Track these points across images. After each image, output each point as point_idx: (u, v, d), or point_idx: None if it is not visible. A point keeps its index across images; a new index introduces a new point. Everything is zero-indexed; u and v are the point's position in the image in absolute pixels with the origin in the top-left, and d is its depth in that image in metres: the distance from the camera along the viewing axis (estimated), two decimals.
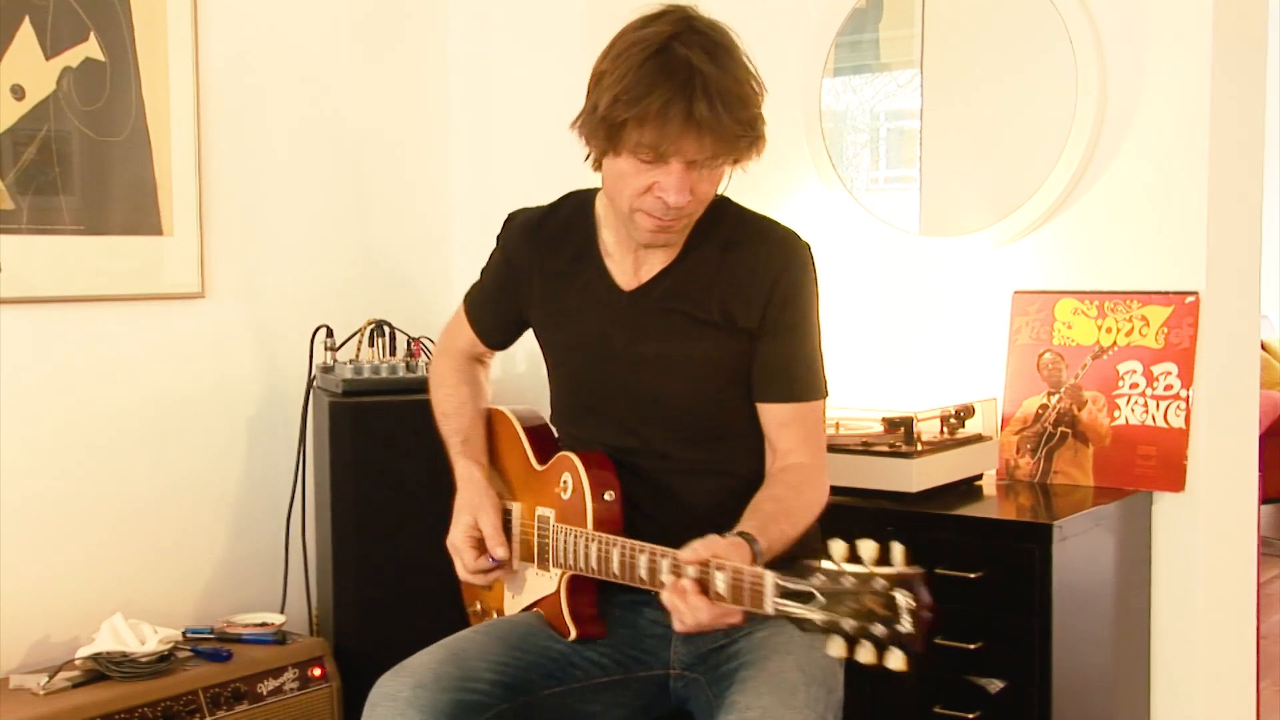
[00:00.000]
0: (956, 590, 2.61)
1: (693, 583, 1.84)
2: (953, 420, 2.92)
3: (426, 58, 3.39)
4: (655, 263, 2.15)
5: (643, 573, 1.95)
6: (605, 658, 2.16)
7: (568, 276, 2.23)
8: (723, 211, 2.16)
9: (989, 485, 2.98)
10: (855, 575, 1.64)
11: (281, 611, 3.03)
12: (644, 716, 2.22)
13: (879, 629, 1.61)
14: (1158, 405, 2.89)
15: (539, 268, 2.26)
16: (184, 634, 2.78)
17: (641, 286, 2.16)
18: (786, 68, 3.37)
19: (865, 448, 2.81)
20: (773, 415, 2.15)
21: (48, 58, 2.67)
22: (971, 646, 2.60)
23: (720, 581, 1.80)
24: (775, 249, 2.14)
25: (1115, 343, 2.95)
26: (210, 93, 2.95)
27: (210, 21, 2.94)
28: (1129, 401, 2.92)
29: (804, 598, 1.67)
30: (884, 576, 1.62)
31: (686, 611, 1.85)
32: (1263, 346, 6.51)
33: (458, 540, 2.23)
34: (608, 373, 2.20)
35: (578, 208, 2.21)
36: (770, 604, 1.72)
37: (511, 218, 2.34)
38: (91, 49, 2.74)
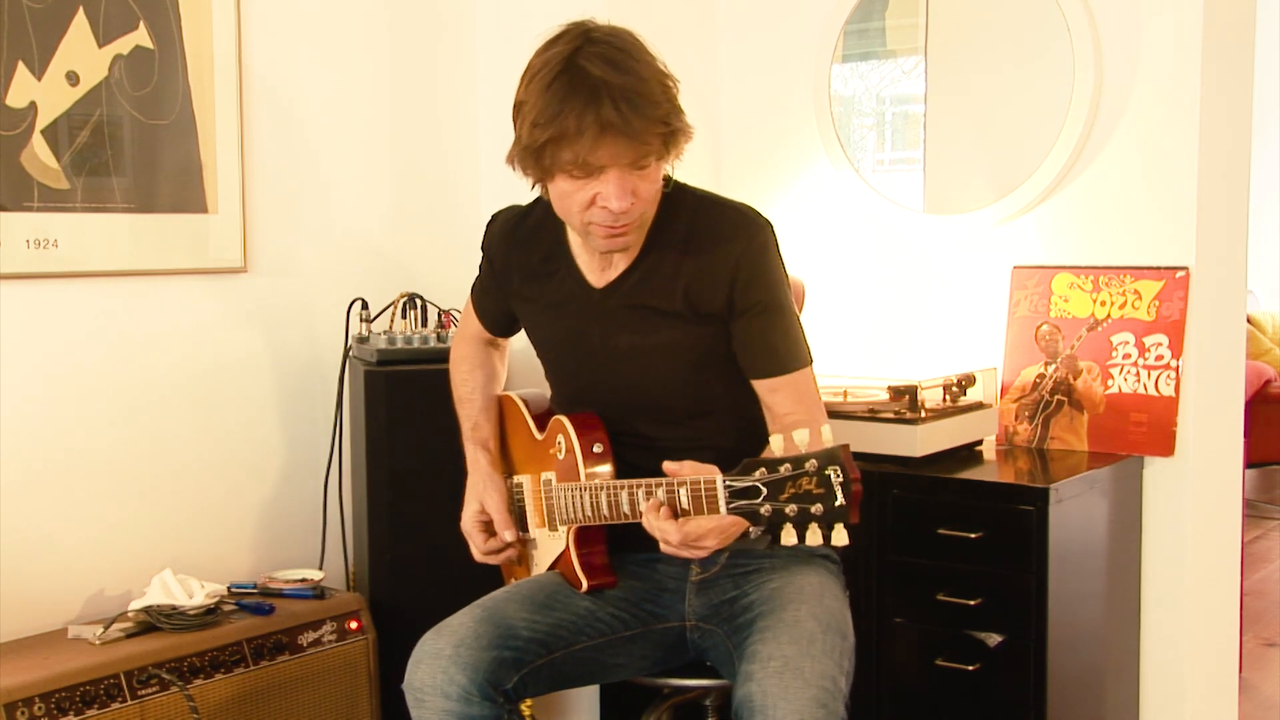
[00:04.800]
0: (957, 549, 2.63)
1: (661, 504, 1.86)
2: (955, 388, 2.92)
3: (459, 40, 3.35)
4: (621, 260, 2.13)
5: (625, 508, 1.95)
6: (626, 612, 2.17)
7: (543, 276, 2.21)
8: (680, 202, 2.12)
9: (989, 450, 2.98)
10: (790, 461, 1.67)
11: (320, 568, 3.02)
12: (665, 667, 2.24)
13: (818, 508, 1.65)
14: (1149, 375, 2.89)
15: (517, 268, 2.25)
16: (229, 588, 2.76)
17: (610, 284, 2.14)
18: (798, 54, 3.38)
19: (872, 414, 2.81)
20: (764, 387, 2.15)
21: (100, 45, 2.65)
22: (972, 603, 2.61)
23: (683, 496, 1.82)
24: (732, 236, 2.09)
25: (1109, 315, 2.94)
26: (252, 78, 2.93)
27: (252, 10, 2.92)
28: (1122, 371, 2.92)
29: (751, 493, 1.69)
30: (814, 456, 1.66)
31: (658, 530, 1.86)
32: (1248, 319, 6.48)
33: (467, 525, 2.26)
34: (588, 365, 2.19)
35: (548, 209, 2.11)
36: (723, 505, 1.74)
37: (493, 219, 2.33)
38: (141, 37, 2.71)
